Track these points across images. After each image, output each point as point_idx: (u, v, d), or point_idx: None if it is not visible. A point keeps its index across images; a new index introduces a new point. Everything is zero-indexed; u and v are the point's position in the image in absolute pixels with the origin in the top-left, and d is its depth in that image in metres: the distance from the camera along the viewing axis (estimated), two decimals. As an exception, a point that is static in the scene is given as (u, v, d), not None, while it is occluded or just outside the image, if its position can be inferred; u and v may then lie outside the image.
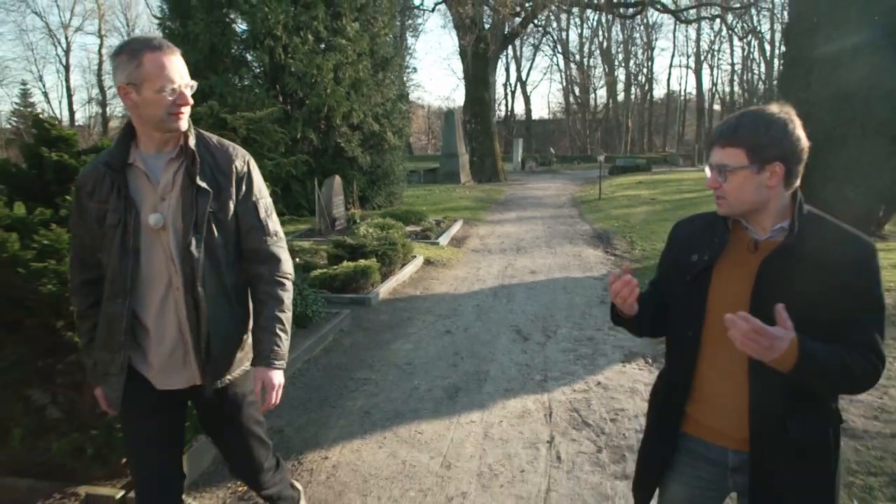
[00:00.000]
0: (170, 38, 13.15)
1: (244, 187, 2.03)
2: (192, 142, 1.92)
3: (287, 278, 2.10)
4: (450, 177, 23.06)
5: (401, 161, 15.49)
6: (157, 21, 14.34)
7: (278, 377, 2.03)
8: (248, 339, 2.11)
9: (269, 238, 2.07)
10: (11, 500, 2.91)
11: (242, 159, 2.04)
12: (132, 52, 1.80)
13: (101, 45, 54.89)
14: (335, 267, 7.01)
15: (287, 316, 2.08)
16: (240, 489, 3.25)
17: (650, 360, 5.16)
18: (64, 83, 55.68)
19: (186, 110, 1.88)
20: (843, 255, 1.56)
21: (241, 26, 13.53)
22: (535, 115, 60.56)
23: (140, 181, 1.92)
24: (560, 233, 12.36)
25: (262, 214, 2.07)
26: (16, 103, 55.05)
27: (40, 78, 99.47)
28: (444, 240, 10.66)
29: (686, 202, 16.28)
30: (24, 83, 62.52)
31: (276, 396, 2.01)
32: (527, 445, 3.76)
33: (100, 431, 2.79)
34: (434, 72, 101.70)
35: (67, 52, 56.53)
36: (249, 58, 12.73)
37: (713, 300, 1.68)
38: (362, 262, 6.93)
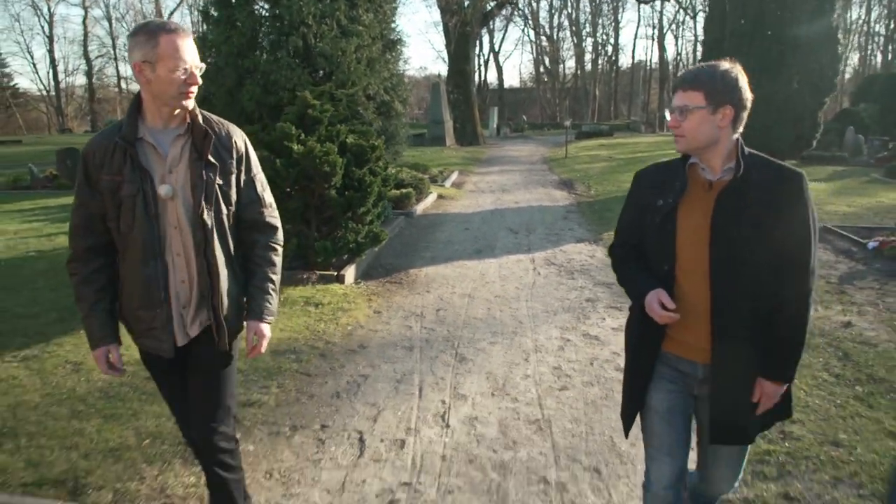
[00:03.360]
0: (214, 27, 16.22)
1: (244, 163, 2.18)
2: (200, 120, 2.07)
3: (280, 245, 2.30)
4: (437, 140, 26.33)
5: (404, 126, 18.73)
6: (199, 10, 17.26)
7: (268, 330, 2.23)
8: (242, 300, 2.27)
9: (266, 209, 2.24)
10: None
11: (242, 138, 2.19)
12: (150, 33, 1.92)
13: (84, 17, 56.27)
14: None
15: (278, 278, 2.26)
16: (386, 281, 6.70)
17: (591, 242, 8.67)
18: (48, 54, 56.64)
19: (195, 89, 2.01)
20: (783, 187, 1.87)
21: (274, 14, 16.55)
22: (507, 85, 63.68)
23: (150, 154, 2.04)
24: (534, 180, 15.89)
25: (260, 188, 2.24)
26: (-11, 73, 56.20)
27: (28, 49, 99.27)
28: (448, 183, 14.16)
29: (637, 160, 19.81)
30: (-1, 53, 63.40)
31: (264, 346, 2.23)
32: (521, 270, 7.25)
33: (317, 232, 6.18)
34: (413, 44, 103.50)
35: (50, 22, 57.83)
36: (287, 43, 15.74)
37: (681, 235, 1.94)
38: (403, 190, 10.30)
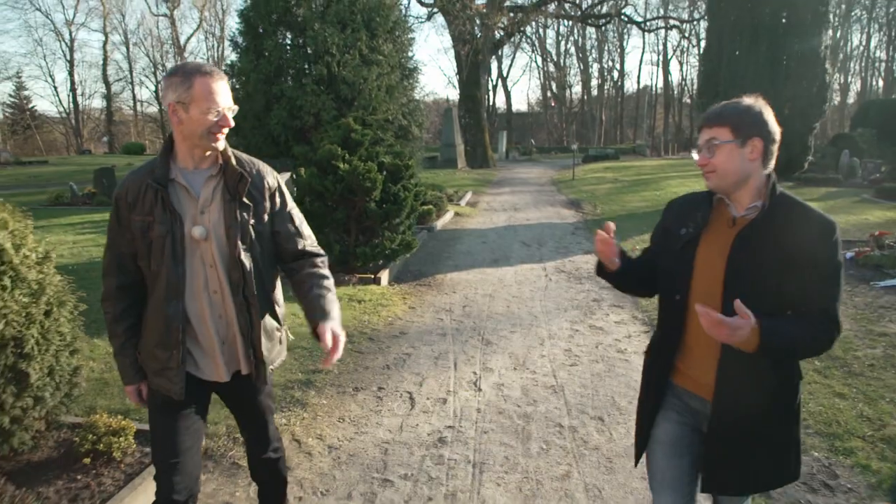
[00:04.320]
0: (243, 54, 17.35)
1: (278, 200, 2.21)
2: (234, 162, 2.10)
3: (326, 267, 2.33)
4: (448, 163, 27.37)
5: (420, 149, 19.77)
6: (228, 41, 18.40)
7: (342, 332, 2.13)
8: (283, 335, 2.33)
9: (305, 241, 2.28)
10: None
11: (273, 175, 2.23)
12: (185, 74, 1.96)
13: (105, 42, 58.08)
14: (407, 211, 11.38)
15: (333, 293, 2.25)
16: (420, 284, 7.59)
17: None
18: (69, 77, 58.33)
19: (225, 131, 2.03)
20: (807, 232, 1.76)
21: (299, 44, 17.68)
22: (515, 109, 65.00)
23: (181, 195, 2.06)
24: (543, 200, 16.83)
25: (298, 222, 2.27)
26: (10, 95, 57.86)
27: (50, 73, 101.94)
28: (463, 202, 15.12)
29: (641, 181, 20.75)
30: (18, 75, 65.25)
31: (341, 348, 2.09)
32: (535, 276, 8.14)
33: (355, 240, 7.08)
34: (424, 70, 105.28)
35: (71, 47, 59.53)
36: (312, 71, 16.84)
37: (698, 267, 1.90)
38: (425, 207, 11.24)
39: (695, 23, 36.51)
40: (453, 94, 63.32)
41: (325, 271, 2.29)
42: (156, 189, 2.02)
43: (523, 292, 7.26)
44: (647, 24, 36.31)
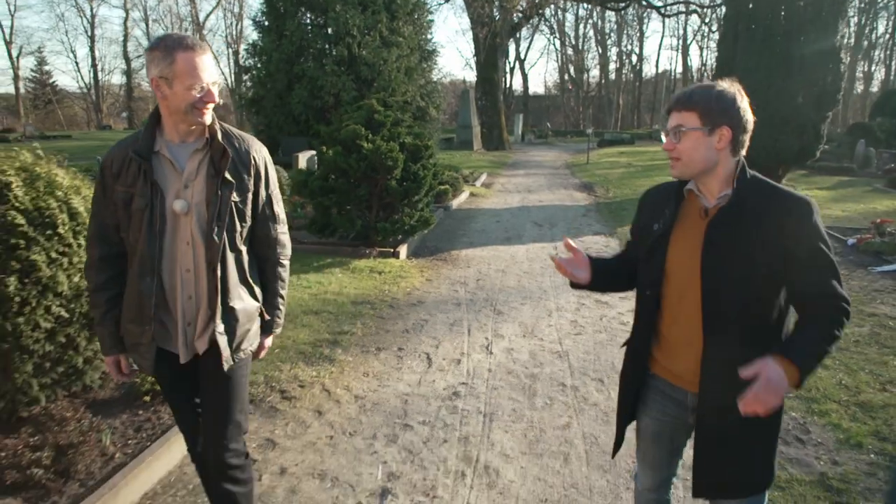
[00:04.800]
0: (265, 35, 17.70)
1: (262, 179, 2.17)
2: (220, 136, 2.05)
3: (288, 261, 2.34)
4: (464, 144, 27.67)
5: (437, 130, 20.11)
6: (250, 20, 18.74)
7: (270, 341, 2.37)
8: (257, 313, 2.26)
9: (279, 226, 2.26)
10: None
11: (261, 154, 2.17)
12: (167, 49, 1.89)
13: (125, 18, 58.53)
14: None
15: (286, 290, 2.37)
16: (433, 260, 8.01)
17: (606, 235, 9.90)
18: (90, 53, 58.90)
19: (211, 106, 1.99)
20: (784, 214, 1.69)
21: (320, 24, 18.00)
22: (531, 92, 64.93)
23: (165, 168, 2.03)
24: (557, 183, 17.15)
25: (275, 205, 2.23)
26: (32, 70, 58.56)
27: (72, 48, 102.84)
28: (478, 183, 15.50)
29: (655, 167, 20.96)
30: (39, 50, 66.03)
31: (262, 355, 2.35)
32: (545, 254, 8.51)
33: (375, 216, 7.50)
34: (442, 51, 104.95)
35: (92, 23, 60.02)
36: (333, 52, 17.19)
37: (671, 263, 1.85)
38: (441, 186, 11.62)
39: (715, 8, 36.31)
40: (470, 76, 63.35)
41: (284, 271, 2.33)
42: (139, 161, 1.99)
43: (534, 269, 7.66)
44: (667, 8, 36.18)
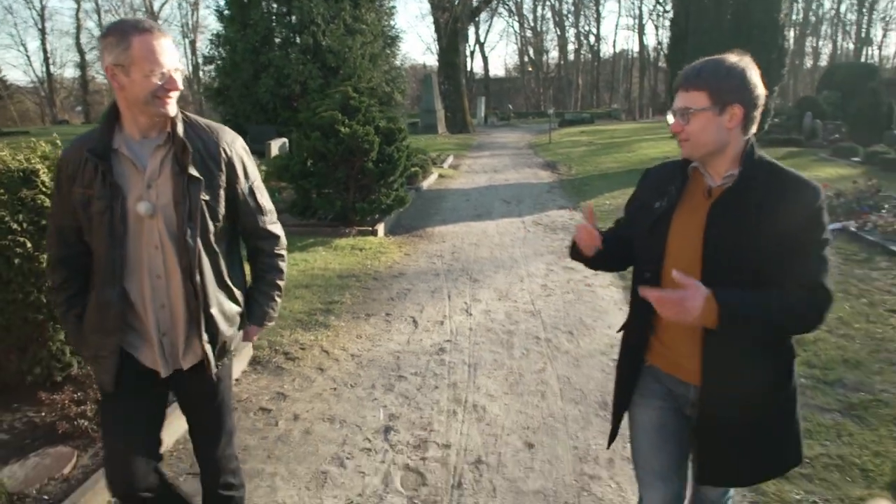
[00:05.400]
0: (228, 25, 17.83)
1: (236, 170, 2.00)
2: (180, 129, 1.87)
3: (284, 250, 2.21)
4: (429, 128, 28.02)
5: (402, 115, 20.47)
6: (214, 11, 18.81)
7: (257, 332, 2.22)
8: (238, 317, 2.11)
9: (265, 217, 2.11)
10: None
11: (231, 143, 2.00)
12: (121, 33, 1.74)
13: (77, 10, 57.14)
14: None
15: (283, 282, 2.21)
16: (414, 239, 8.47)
17: (570, 209, 10.46)
18: (41, 46, 57.40)
19: (174, 95, 1.83)
20: (789, 199, 1.61)
21: (283, 13, 18.17)
22: (492, 74, 65.30)
23: (125, 167, 1.86)
24: (521, 163, 17.71)
25: (258, 196, 2.08)
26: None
27: (22, 42, 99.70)
28: (446, 165, 15.98)
29: (614, 144, 21.66)
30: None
31: (249, 339, 2.23)
32: (514, 228, 9.04)
33: (354, 196, 7.93)
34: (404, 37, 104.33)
35: (42, 15, 58.41)
36: (298, 40, 17.41)
37: (672, 243, 1.75)
38: (413, 168, 12.06)
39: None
40: (431, 61, 63.52)
41: (282, 261, 2.21)
42: (95, 161, 1.83)
43: (504, 241, 8.17)
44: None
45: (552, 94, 60.94)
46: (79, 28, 56.67)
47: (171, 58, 1.80)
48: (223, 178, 1.97)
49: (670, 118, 1.74)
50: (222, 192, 1.97)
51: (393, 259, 7.25)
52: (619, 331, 2.05)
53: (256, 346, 4.62)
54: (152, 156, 1.88)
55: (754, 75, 1.66)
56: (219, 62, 18.85)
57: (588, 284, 6.20)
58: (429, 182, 13.12)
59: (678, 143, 1.74)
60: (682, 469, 1.91)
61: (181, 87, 1.84)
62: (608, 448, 2.17)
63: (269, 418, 3.72)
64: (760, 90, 1.67)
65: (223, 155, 1.97)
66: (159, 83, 1.78)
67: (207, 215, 1.92)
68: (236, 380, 4.18)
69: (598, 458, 3.25)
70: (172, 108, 1.85)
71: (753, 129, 1.70)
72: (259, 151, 13.19)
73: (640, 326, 1.90)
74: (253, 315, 2.17)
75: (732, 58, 1.67)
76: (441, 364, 4.45)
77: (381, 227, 8.30)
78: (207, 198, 1.91)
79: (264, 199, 2.14)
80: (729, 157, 1.71)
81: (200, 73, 55.11)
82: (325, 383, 4.17)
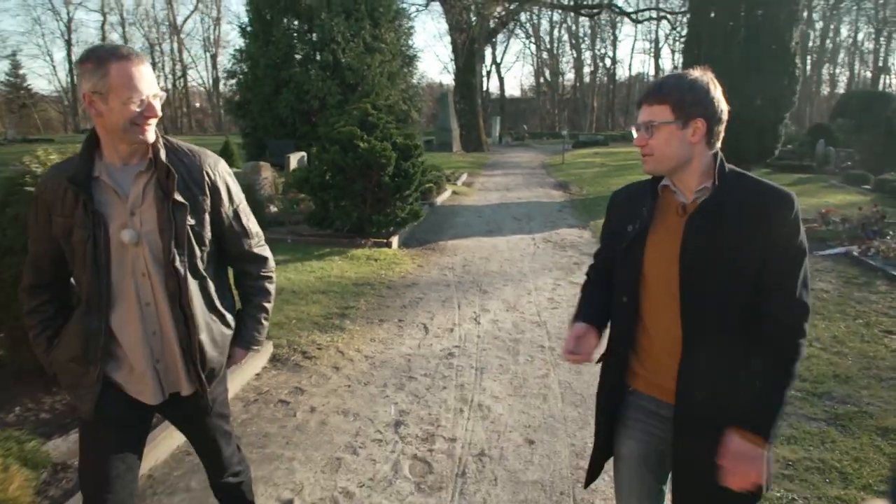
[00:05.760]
0: (251, 41, 18.33)
1: (221, 194, 1.98)
2: (163, 155, 1.86)
3: (273, 273, 2.19)
4: (444, 146, 28.45)
5: (419, 133, 20.88)
6: (237, 27, 19.36)
7: (245, 356, 2.19)
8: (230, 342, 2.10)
9: (251, 241, 2.10)
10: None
11: (214, 166, 1.99)
12: (98, 60, 1.71)
13: (103, 22, 58.49)
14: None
15: (270, 304, 2.19)
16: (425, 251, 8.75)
17: (580, 228, 10.71)
18: (66, 57, 58.69)
19: (153, 121, 1.80)
20: (763, 209, 1.60)
21: (304, 30, 18.67)
22: (508, 94, 65.93)
23: (107, 195, 1.83)
24: (534, 182, 18.01)
25: (244, 220, 2.07)
26: (6, 74, 58.24)
27: (48, 52, 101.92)
28: (459, 182, 16.32)
29: (627, 166, 21.90)
30: (14, 54, 65.53)
31: (233, 365, 2.17)
32: (524, 244, 9.30)
33: (370, 209, 8.23)
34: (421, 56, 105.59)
35: (69, 27, 59.81)
36: (318, 57, 17.89)
37: (649, 265, 1.72)
38: (427, 184, 12.38)
39: (683, 14, 37.60)
40: (447, 79, 64.22)
41: (270, 283, 2.19)
42: (75, 190, 1.80)
43: (514, 256, 8.43)
44: (638, 14, 37.44)
45: (567, 115, 61.36)
46: (104, 40, 57.92)
47: (150, 84, 1.78)
48: (207, 202, 1.95)
49: (634, 132, 1.73)
50: (207, 217, 1.95)
51: (406, 270, 7.53)
52: (598, 361, 1.94)
53: (276, 345, 4.90)
54: (134, 183, 1.85)
55: (717, 91, 1.67)
56: (240, 77, 19.34)
57: (593, 298, 6.44)
58: (442, 198, 13.43)
59: (641, 157, 1.72)
60: (660, 497, 1.92)
61: (160, 113, 1.82)
62: (585, 488, 2.08)
63: (287, 409, 3.98)
64: (724, 105, 1.67)
65: (207, 179, 1.95)
66: (138, 110, 1.76)
67: (193, 240, 1.91)
68: (256, 375, 4.46)
69: (593, 455, 3.49)
70: (151, 135, 1.83)
71: (717, 144, 1.70)
72: (279, 165, 13.57)
73: (623, 351, 1.84)
74: (240, 338, 2.14)
75: (695, 73, 1.68)
76: (449, 367, 4.70)
77: (395, 240, 8.60)
78: (193, 222, 1.91)
79: (250, 222, 2.12)
80: (697, 172, 1.69)
81: (221, 87, 56.21)
82: (340, 380, 4.43)
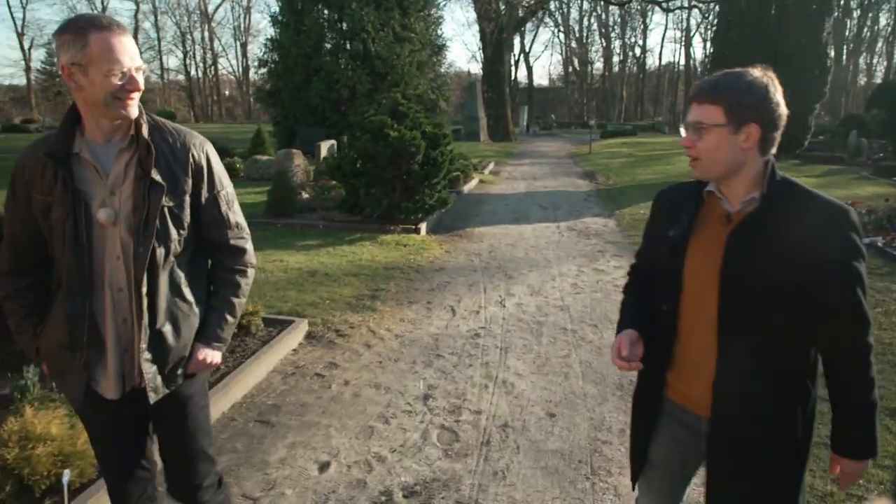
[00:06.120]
0: (283, 30, 18.65)
1: (204, 178, 1.89)
2: (145, 131, 1.78)
3: (248, 266, 2.04)
4: (471, 136, 28.60)
5: (446, 122, 21.08)
6: (269, 17, 19.67)
7: (216, 357, 1.97)
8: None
9: (230, 231, 1.97)
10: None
11: (200, 147, 1.89)
12: (78, 30, 1.64)
13: (136, 11, 59.49)
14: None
15: (240, 302, 2.02)
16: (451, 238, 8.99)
17: (605, 217, 10.84)
18: (102, 45, 59.63)
19: (136, 96, 1.72)
20: (815, 225, 1.49)
21: (335, 20, 18.93)
22: (536, 84, 65.61)
23: (88, 172, 1.76)
24: (561, 171, 18.12)
25: (224, 207, 1.95)
26: (42, 62, 59.54)
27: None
28: (486, 171, 16.52)
29: (654, 157, 21.86)
30: (49, 42, 66.80)
31: (201, 369, 1.98)
32: (550, 232, 9.47)
33: (399, 196, 8.47)
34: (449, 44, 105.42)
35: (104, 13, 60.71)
36: (349, 46, 18.15)
37: (689, 274, 1.65)
38: (455, 172, 12.58)
39: (714, 3, 37.10)
40: (475, 68, 64.17)
41: (241, 277, 2.03)
42: (54, 166, 1.74)
43: (539, 243, 8.62)
44: (668, 3, 37.03)
45: (595, 104, 60.98)
46: (136, 28, 59.03)
47: (132, 56, 1.70)
48: (189, 183, 1.86)
49: (682, 131, 1.63)
50: (188, 199, 1.86)
51: (434, 255, 7.77)
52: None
53: (311, 323, 5.17)
54: (116, 160, 1.79)
55: (777, 93, 1.54)
56: (272, 65, 19.69)
57: (616, 286, 6.60)
58: (469, 186, 13.64)
59: (690, 161, 1.62)
60: (678, 495, 1.95)
61: (142, 86, 1.74)
62: (633, 489, 2.04)
63: (323, 382, 4.25)
64: (783, 110, 1.54)
65: (191, 160, 1.87)
66: (120, 83, 1.68)
67: (171, 223, 1.82)
68: (293, 350, 4.73)
69: (610, 428, 3.69)
70: (134, 110, 1.76)
71: (772, 150, 1.58)
72: (309, 152, 13.88)
73: (660, 359, 1.78)
74: (201, 334, 1.96)
75: (755, 72, 1.55)
76: (476, 346, 4.93)
77: (423, 226, 8.84)
78: (171, 204, 1.82)
79: (233, 211, 2.00)
80: (747, 180, 1.57)
81: (252, 76, 56.85)
82: (372, 357, 4.69)
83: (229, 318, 2.01)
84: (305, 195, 10.43)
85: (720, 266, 1.58)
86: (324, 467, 3.27)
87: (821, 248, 1.49)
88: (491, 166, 17.99)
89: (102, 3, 64.59)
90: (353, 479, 3.16)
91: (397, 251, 7.76)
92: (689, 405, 1.74)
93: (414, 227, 8.67)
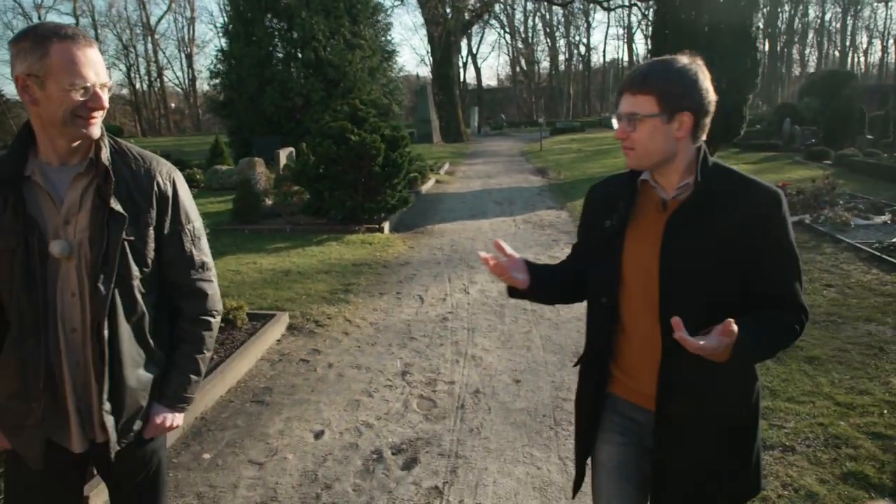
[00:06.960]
0: (233, 41, 18.80)
1: (168, 210, 1.69)
2: (104, 155, 1.59)
3: (212, 316, 1.81)
4: (424, 138, 29.07)
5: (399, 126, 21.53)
6: (218, 28, 19.80)
7: (176, 420, 1.78)
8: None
9: (194, 272, 1.76)
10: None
11: (167, 176, 1.70)
12: (37, 38, 1.46)
13: (75, 24, 57.94)
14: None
15: (204, 357, 1.80)
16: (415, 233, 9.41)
17: (557, 209, 11.41)
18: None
19: (100, 115, 1.54)
20: (749, 206, 1.51)
21: (284, 29, 19.17)
22: (485, 84, 66.56)
23: (40, 198, 1.57)
24: (514, 169, 18.74)
25: (188, 244, 1.74)
26: (-23, 79, 57.72)
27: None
28: (442, 171, 17.02)
29: (603, 151, 22.69)
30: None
31: (159, 433, 1.78)
32: (506, 226, 9.99)
33: (362, 197, 8.89)
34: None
35: (41, 30, 59.17)
36: (300, 55, 18.42)
37: (627, 264, 1.64)
38: (412, 174, 13.02)
39: (652, 1, 38.48)
40: (424, 72, 64.66)
41: (204, 329, 1.81)
42: (2, 191, 1.55)
43: (498, 236, 9.07)
44: (609, 2, 38.22)
45: (544, 103, 62.13)
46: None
47: (98, 71, 1.51)
48: (153, 215, 1.67)
49: (615, 123, 1.62)
50: (152, 232, 1.67)
51: (399, 251, 8.20)
52: (576, 364, 1.90)
53: (291, 316, 5.55)
54: (71, 186, 1.59)
55: (706, 80, 1.55)
56: (224, 76, 19.80)
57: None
58: (427, 187, 14.10)
59: (623, 151, 1.61)
60: None
61: (107, 105, 1.55)
62: (573, 498, 2.04)
63: (308, 366, 4.64)
64: (712, 96, 1.55)
65: (156, 189, 1.67)
66: (82, 100, 1.50)
67: (131, 258, 1.63)
68: (277, 340, 5.11)
69: (570, 388, 4.18)
70: (96, 130, 1.56)
71: (703, 137, 1.59)
72: (267, 161, 14.14)
73: (601, 354, 1.76)
74: (161, 394, 1.76)
75: (683, 59, 1.55)
76: (445, 329, 5.38)
77: (386, 225, 9.26)
78: (133, 238, 1.63)
79: (199, 249, 1.79)
80: (681, 167, 1.58)
81: (199, 86, 56.25)
82: (351, 343, 5.10)
83: (193, 377, 1.81)
84: (269, 202, 10.73)
85: (658, 253, 1.58)
86: (318, 435, 3.67)
87: (755, 227, 1.51)
88: (446, 167, 18.50)
89: (39, 17, 62.99)
90: (346, 443, 3.58)
91: (364, 249, 8.16)
92: (637, 399, 1.71)
93: (378, 226, 9.08)
